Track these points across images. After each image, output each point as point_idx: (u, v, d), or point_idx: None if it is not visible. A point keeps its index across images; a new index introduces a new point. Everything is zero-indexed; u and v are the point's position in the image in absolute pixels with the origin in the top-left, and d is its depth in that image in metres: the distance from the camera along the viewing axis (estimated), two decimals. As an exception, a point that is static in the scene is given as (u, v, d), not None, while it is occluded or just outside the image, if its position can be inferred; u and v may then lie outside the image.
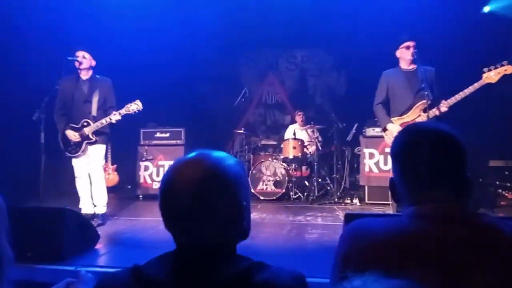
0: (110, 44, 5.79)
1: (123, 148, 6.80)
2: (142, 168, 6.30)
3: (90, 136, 4.23)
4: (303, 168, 6.59)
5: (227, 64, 8.22)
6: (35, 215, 2.89)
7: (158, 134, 6.38)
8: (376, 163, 5.65)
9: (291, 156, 6.09)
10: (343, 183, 6.39)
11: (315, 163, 6.06)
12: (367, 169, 5.69)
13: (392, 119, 4.02)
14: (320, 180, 6.13)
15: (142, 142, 6.39)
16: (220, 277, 0.87)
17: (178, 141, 6.33)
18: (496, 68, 3.67)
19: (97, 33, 5.90)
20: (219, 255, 0.91)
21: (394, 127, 3.92)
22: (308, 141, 6.46)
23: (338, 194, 5.92)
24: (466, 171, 1.01)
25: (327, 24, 6.36)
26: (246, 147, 6.89)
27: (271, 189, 6.08)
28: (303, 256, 3.19)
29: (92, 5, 5.82)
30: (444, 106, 3.79)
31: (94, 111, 4.29)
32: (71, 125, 4.27)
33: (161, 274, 0.88)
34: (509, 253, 0.89)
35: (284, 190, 6.00)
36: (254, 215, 4.63)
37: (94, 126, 4.23)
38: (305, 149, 6.27)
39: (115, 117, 4.20)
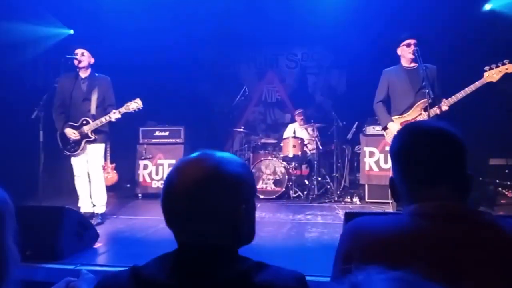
0: (110, 43, 5.78)
1: (122, 147, 6.79)
2: (141, 167, 6.28)
3: (90, 135, 4.21)
4: (303, 166, 6.59)
5: (226, 62, 8.19)
6: (34, 214, 2.88)
7: (157, 133, 6.36)
8: (376, 161, 5.63)
9: (291, 155, 6.08)
10: (343, 182, 6.38)
11: (315, 162, 6.05)
12: (367, 168, 5.67)
13: (392, 117, 4.01)
14: (320, 178, 6.12)
15: (141, 141, 6.37)
16: (219, 278, 0.87)
17: (178, 140, 6.31)
18: (497, 66, 3.66)
19: (97, 33, 5.89)
20: (219, 256, 0.91)
21: (394, 126, 3.91)
22: (308, 140, 6.46)
23: (338, 192, 5.91)
24: (467, 169, 1.01)
25: (327, 21, 6.34)
26: (246, 145, 6.86)
27: (271, 187, 6.07)
28: (303, 255, 3.19)
29: (92, 5, 5.80)
30: (445, 105, 3.78)
31: (93, 109, 4.26)
32: (70, 123, 4.24)
33: (161, 275, 0.88)
34: (509, 251, 0.88)
35: (284, 189, 6.00)
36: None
37: (93, 124, 4.20)
38: (305, 148, 6.27)
39: (115, 115, 4.17)
